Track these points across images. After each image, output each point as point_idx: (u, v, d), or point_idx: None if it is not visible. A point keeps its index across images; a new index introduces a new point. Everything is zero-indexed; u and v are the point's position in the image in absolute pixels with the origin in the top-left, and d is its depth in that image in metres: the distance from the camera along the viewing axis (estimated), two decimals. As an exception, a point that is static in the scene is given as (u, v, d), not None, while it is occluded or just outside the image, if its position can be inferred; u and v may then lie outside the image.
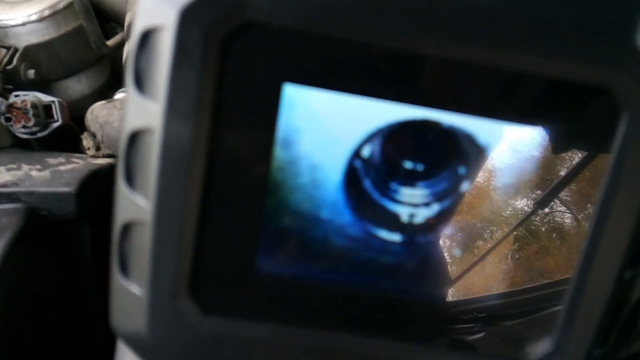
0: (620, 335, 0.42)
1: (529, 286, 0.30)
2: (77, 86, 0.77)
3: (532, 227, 0.30)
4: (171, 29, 0.24)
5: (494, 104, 0.26)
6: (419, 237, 0.29)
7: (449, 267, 0.30)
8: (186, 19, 0.24)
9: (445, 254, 0.30)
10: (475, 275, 0.30)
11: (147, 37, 0.25)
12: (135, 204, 0.27)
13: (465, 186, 0.28)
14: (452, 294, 0.30)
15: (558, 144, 0.28)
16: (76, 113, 0.68)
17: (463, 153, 0.28)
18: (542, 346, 0.30)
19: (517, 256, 0.30)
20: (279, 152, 0.27)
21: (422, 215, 0.29)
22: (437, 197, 0.29)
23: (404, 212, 0.29)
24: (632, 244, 0.28)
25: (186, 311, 0.28)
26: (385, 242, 0.29)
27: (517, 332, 0.31)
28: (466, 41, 0.24)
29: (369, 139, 0.27)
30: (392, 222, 0.29)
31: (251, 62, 0.25)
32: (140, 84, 0.26)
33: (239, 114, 0.26)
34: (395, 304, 0.29)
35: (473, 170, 0.28)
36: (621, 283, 0.28)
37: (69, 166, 0.58)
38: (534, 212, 0.30)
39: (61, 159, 0.60)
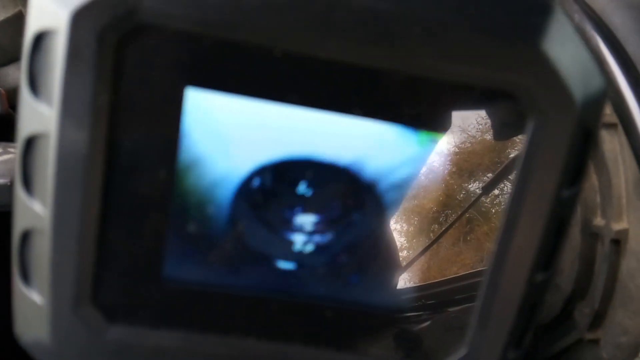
0: (540, 334, 0.42)
1: (474, 270, 0.30)
2: (16, 73, 0.75)
3: (483, 208, 0.30)
4: (63, 31, 0.24)
5: (396, 108, 0.26)
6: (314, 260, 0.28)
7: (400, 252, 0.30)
8: (78, 21, 0.23)
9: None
10: (428, 261, 0.30)
11: (39, 39, 0.24)
12: (32, 211, 0.26)
13: (359, 216, 0.28)
14: (402, 282, 0.30)
15: (496, 132, 0.28)
16: (15, 101, 0.66)
17: (348, 188, 0.27)
18: (456, 349, 0.30)
19: (468, 238, 0.30)
20: (182, 157, 0.26)
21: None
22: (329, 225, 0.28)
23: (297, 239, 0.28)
24: (544, 246, 0.28)
25: (89, 319, 0.27)
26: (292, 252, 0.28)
27: (460, 321, 0.30)
28: (365, 44, 0.24)
29: (256, 173, 0.27)
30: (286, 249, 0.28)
31: (149, 65, 0.25)
32: (35, 87, 0.25)
33: (138, 118, 0.25)
34: (306, 309, 0.29)
35: (365, 203, 0.28)
36: (534, 285, 0.28)
37: (6, 156, 0.56)
38: (478, 198, 0.30)
39: (-2, 149, 0.58)
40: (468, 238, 0.30)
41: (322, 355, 0.28)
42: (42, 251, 0.26)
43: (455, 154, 0.28)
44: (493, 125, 0.29)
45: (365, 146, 0.27)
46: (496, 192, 0.30)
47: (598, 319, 0.41)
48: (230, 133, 0.26)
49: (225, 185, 0.27)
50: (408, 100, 0.26)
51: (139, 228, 0.27)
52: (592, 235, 0.42)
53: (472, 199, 0.30)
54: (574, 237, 0.43)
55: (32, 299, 0.27)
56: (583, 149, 0.26)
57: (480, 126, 0.29)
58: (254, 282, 0.28)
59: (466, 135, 0.29)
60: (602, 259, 0.41)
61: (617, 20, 0.43)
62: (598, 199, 0.43)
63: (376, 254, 0.30)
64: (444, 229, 0.31)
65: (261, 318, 0.28)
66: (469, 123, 0.28)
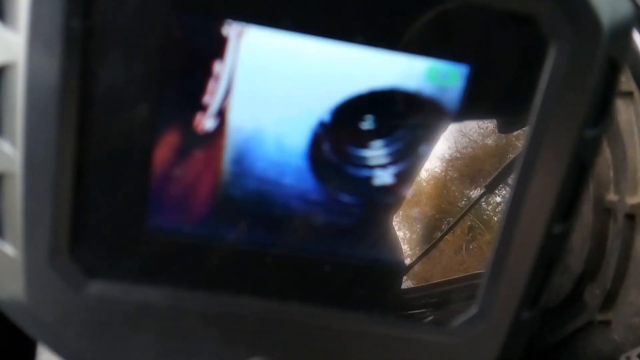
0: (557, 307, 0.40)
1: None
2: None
3: (485, 217, 0.28)
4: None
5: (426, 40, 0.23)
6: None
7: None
8: None
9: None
10: (432, 266, 0.28)
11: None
12: (2, 153, 0.23)
13: (423, 148, 0.26)
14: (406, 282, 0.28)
15: (501, 124, 0.26)
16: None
17: (414, 111, 0.25)
18: (467, 309, 0.27)
19: (470, 247, 0.28)
20: (168, 91, 0.24)
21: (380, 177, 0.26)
22: (394, 159, 0.26)
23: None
24: (563, 194, 0.25)
25: (67, 273, 0.25)
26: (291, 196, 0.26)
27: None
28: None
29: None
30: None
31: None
32: (1, 12, 0.22)
33: (117, 45, 0.23)
34: (302, 264, 0.26)
35: (428, 130, 0.25)
36: (551, 238, 0.26)
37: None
38: (483, 195, 0.28)
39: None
40: (470, 247, 0.28)
41: (321, 313, 0.26)
42: (13, 198, 0.24)
43: (457, 159, 0.26)
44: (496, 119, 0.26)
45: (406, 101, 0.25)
46: (498, 199, 0.28)
47: (609, 300, 0.40)
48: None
49: (219, 123, 0.24)
50: (432, 31, 0.23)
51: (120, 171, 0.24)
52: (604, 212, 0.40)
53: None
54: (586, 214, 0.41)
55: (5, 252, 0.25)
56: (609, 83, 0.24)
57: (482, 130, 0.27)
58: (248, 235, 0.26)
59: (467, 140, 0.27)
60: (615, 236, 0.39)
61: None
62: (611, 174, 0.41)
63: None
64: (452, 223, 0.29)
65: (256, 273, 0.26)
66: (470, 127, 0.27)
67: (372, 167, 0.26)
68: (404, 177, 0.26)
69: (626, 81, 0.40)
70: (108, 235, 0.25)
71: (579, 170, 0.25)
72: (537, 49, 0.23)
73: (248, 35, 0.23)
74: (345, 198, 0.26)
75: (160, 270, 0.25)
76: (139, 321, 0.25)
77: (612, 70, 0.24)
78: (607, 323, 0.41)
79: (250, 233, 0.26)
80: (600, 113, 0.24)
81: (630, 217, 0.39)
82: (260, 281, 0.26)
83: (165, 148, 0.24)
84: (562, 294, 0.43)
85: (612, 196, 0.40)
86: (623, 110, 0.41)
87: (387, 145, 0.26)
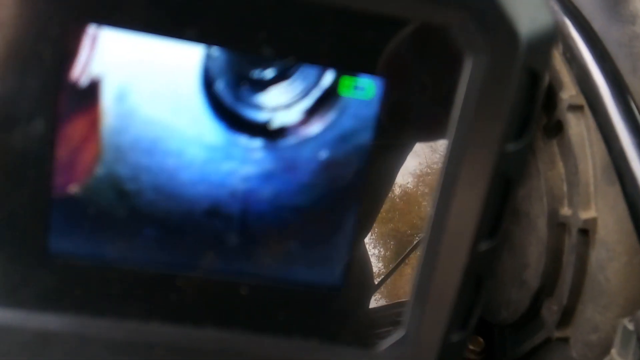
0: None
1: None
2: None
3: None
4: None
5: (328, 51, 0.22)
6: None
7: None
8: None
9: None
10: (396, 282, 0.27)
11: None
12: None
13: (327, 79, 0.24)
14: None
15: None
16: None
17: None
18: (394, 332, 0.26)
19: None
20: (66, 105, 0.22)
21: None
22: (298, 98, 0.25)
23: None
24: (488, 210, 0.24)
25: (-41, 301, 0.23)
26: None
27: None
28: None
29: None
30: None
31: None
32: None
33: (12, 55, 0.21)
34: (222, 286, 0.25)
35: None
36: (477, 256, 0.25)
37: None
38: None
39: None
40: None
41: (237, 339, 0.25)
42: None
43: (427, 174, 0.26)
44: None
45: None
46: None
47: (567, 316, 0.39)
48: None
49: (124, 138, 0.23)
50: (332, 39, 0.22)
51: (18, 192, 0.23)
52: (559, 226, 0.39)
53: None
54: (540, 228, 0.41)
55: None
56: (530, 95, 0.23)
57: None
58: (157, 257, 0.24)
59: (438, 156, 0.26)
60: (570, 250, 0.38)
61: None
62: (565, 188, 0.40)
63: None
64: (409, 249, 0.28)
65: (166, 297, 0.25)
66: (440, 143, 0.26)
67: (269, 109, 0.25)
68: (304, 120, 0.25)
69: (577, 95, 0.39)
70: (6, 260, 0.23)
71: (504, 185, 0.24)
72: (453, 62, 0.22)
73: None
74: (245, 141, 0.24)
75: (62, 296, 0.24)
76: (40, 351, 0.24)
77: (533, 83, 0.23)
78: (565, 340, 0.40)
79: (156, 254, 0.25)
80: (523, 126, 0.24)
81: (584, 231, 0.38)
82: (171, 306, 0.25)
83: (65, 167, 0.23)
84: (521, 310, 0.43)
85: (566, 210, 0.40)
86: (574, 124, 0.41)
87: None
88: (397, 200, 0.26)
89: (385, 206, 0.26)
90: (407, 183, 0.26)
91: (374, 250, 0.27)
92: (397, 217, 0.27)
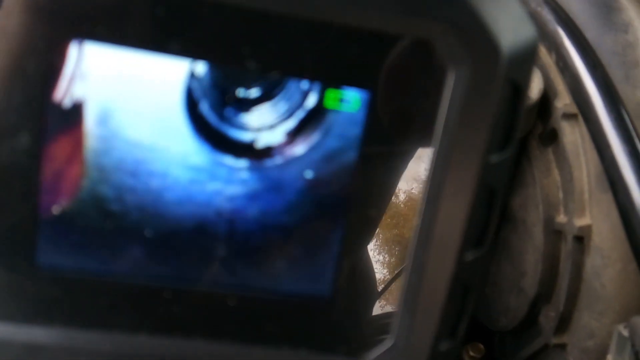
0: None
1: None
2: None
3: None
4: None
5: (313, 64, 0.22)
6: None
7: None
8: None
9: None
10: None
11: None
12: None
13: (312, 96, 0.24)
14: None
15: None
16: None
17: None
18: (383, 342, 0.26)
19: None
20: (54, 122, 0.22)
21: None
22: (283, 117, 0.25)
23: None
24: (473, 220, 0.24)
25: (-52, 314, 0.23)
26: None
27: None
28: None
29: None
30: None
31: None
32: None
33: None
34: (210, 298, 0.25)
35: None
36: (464, 265, 0.25)
37: None
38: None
39: None
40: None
41: (226, 350, 0.25)
42: None
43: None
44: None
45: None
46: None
47: (564, 323, 0.39)
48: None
49: (108, 159, 0.23)
50: (317, 53, 0.22)
51: (6, 206, 0.23)
52: (555, 233, 0.40)
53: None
54: (537, 236, 0.41)
55: None
56: (512, 107, 0.23)
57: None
58: (146, 271, 0.25)
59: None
60: (566, 257, 0.39)
61: (576, 6, 0.41)
62: (560, 195, 0.41)
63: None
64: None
65: (154, 309, 0.25)
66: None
67: (254, 129, 0.25)
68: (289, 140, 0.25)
69: (571, 103, 0.40)
70: (-5, 273, 0.24)
71: (489, 196, 0.24)
72: (436, 74, 0.23)
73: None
74: (230, 161, 0.25)
75: (50, 309, 0.24)
76: (29, 363, 0.24)
77: (515, 95, 0.23)
78: (563, 346, 0.40)
79: (144, 267, 0.25)
80: (506, 138, 0.24)
81: (579, 238, 0.38)
82: (160, 318, 0.25)
83: (53, 181, 0.23)
84: (519, 317, 0.43)
85: (561, 217, 0.40)
86: (569, 132, 0.41)
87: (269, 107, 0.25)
88: (402, 206, 0.26)
89: (390, 212, 0.26)
90: (412, 189, 0.26)
91: (379, 257, 0.27)
92: (402, 223, 0.27)
